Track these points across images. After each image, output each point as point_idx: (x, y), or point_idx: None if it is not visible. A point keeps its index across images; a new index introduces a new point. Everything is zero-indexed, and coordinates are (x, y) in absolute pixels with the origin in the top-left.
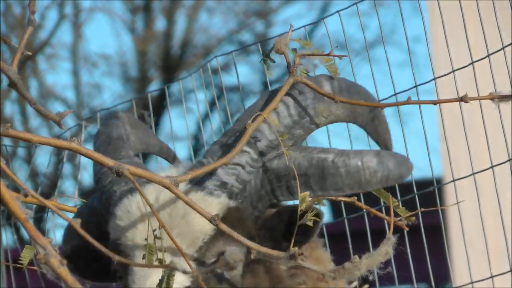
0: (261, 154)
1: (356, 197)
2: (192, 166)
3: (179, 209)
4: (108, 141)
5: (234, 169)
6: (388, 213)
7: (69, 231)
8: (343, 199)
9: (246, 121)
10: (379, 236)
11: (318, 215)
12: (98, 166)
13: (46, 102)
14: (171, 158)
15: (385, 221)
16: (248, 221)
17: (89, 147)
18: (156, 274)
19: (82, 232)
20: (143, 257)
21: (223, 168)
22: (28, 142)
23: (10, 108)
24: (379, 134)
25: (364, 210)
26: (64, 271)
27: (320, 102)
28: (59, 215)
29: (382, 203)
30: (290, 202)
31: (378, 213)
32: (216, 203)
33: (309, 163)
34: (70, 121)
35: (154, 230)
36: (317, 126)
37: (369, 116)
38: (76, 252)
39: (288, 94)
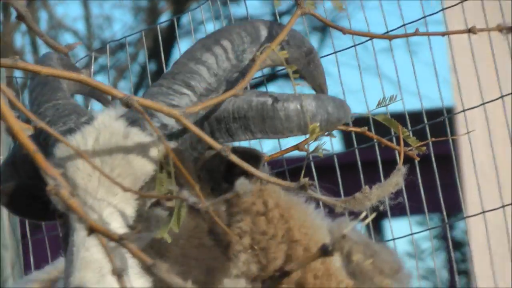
0: (201, 96)
1: (366, 127)
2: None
3: (120, 149)
4: (45, 82)
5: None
6: (398, 143)
7: (7, 169)
8: (353, 129)
9: (183, 63)
10: (390, 166)
11: (257, 157)
12: (33, 106)
13: (57, 34)
14: (106, 100)
15: (396, 151)
16: (188, 162)
17: (99, 79)
18: (100, 194)
19: (91, 162)
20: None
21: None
22: (38, 74)
23: (21, 41)
24: (314, 78)
25: (375, 140)
26: (75, 203)
27: (258, 47)
28: (66, 144)
29: (393, 133)
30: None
31: (389, 143)
32: (155, 145)
33: (248, 106)
34: (80, 53)
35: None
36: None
37: (305, 60)
38: (15, 191)
39: (226, 38)
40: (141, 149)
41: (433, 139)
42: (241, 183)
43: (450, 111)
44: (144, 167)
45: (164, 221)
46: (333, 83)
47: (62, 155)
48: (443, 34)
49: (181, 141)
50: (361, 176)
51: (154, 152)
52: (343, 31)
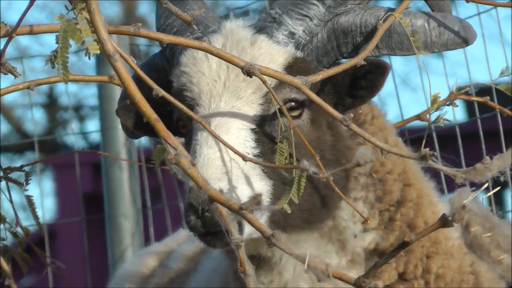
0: (329, 8)
1: (489, 97)
2: (261, 18)
3: (247, 54)
4: None
5: (302, 20)
6: None
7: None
8: (476, 98)
9: None
10: None
11: (384, 67)
12: (162, 19)
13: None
14: None
15: None
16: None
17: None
18: (220, 118)
19: (214, 132)
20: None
21: (291, 18)
22: (160, 42)
23: (145, 6)
24: (440, 6)
25: (497, 109)
26: (195, 172)
27: None
28: (191, 116)
29: None
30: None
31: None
32: (283, 52)
33: (376, 20)
34: None
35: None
36: None
37: None
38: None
39: None
40: (268, 55)
41: None
42: (361, 153)
43: None
44: None
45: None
46: (457, 51)
47: (188, 62)
48: None
49: (308, 51)
50: (483, 146)
51: (281, 59)
52: None
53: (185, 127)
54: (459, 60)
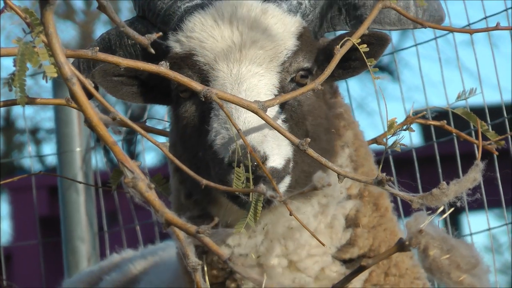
0: None
1: (445, 121)
2: None
3: (260, 22)
4: None
5: None
6: (477, 137)
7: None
8: (432, 122)
9: None
10: (468, 160)
11: (385, 39)
12: None
13: None
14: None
15: (475, 145)
16: (314, 40)
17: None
18: (248, 81)
19: (170, 155)
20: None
21: None
22: (117, 66)
23: (102, 30)
24: None
25: (454, 133)
26: (152, 195)
27: None
28: (147, 138)
29: (472, 127)
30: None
31: (468, 137)
32: (293, 21)
33: None
34: None
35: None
36: None
37: None
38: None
39: None
40: (281, 24)
41: None
42: (319, 176)
43: None
44: (286, 41)
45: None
46: (414, 75)
47: (194, 27)
48: None
49: (309, 22)
50: (440, 170)
51: (294, 27)
52: (424, 24)
53: (186, 91)
54: (416, 84)
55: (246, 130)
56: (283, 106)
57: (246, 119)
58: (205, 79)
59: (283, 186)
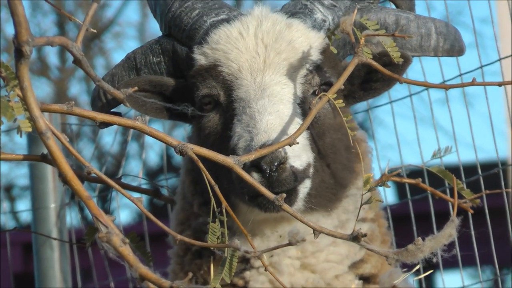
0: (353, 1)
1: (420, 179)
2: (288, 5)
3: (285, 35)
4: None
5: (332, 9)
6: (452, 195)
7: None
8: (407, 180)
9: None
10: (443, 218)
11: (406, 60)
12: (176, 2)
13: None
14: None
15: (450, 203)
16: (337, 58)
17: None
18: (272, 88)
19: (145, 211)
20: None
21: (323, 6)
22: (93, 121)
23: (76, 87)
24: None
25: (429, 191)
26: (126, 250)
27: None
28: (122, 194)
29: (447, 185)
30: None
31: (443, 195)
32: (317, 37)
33: (392, 21)
34: None
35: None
36: None
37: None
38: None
39: None
40: (306, 38)
41: (487, 191)
42: (293, 232)
43: (504, 163)
44: (310, 55)
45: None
46: (388, 133)
47: (219, 40)
48: (499, 84)
49: (332, 41)
50: (414, 227)
51: (317, 42)
52: (400, 80)
53: (210, 104)
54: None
55: (270, 131)
56: (305, 115)
57: (268, 121)
58: (228, 89)
59: (303, 188)
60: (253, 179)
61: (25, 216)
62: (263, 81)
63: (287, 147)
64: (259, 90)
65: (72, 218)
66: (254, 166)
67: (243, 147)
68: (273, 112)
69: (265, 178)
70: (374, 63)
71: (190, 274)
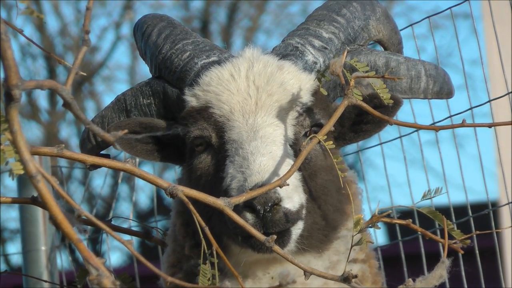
0: (343, 44)
1: (411, 220)
2: (278, 47)
3: (276, 77)
4: (173, 25)
5: (323, 51)
6: (443, 236)
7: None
8: (398, 221)
9: (324, 14)
10: (434, 259)
11: (396, 103)
12: (165, 44)
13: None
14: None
15: (440, 244)
16: (329, 100)
17: (144, 168)
18: (264, 130)
19: (136, 253)
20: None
21: (314, 48)
22: (83, 163)
23: (66, 130)
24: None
25: (419, 232)
26: None
27: (371, 21)
28: (113, 236)
29: (437, 226)
30: None
31: (433, 236)
32: (308, 79)
33: (382, 63)
34: None
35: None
36: (371, 38)
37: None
38: (131, 125)
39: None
40: (297, 80)
41: (478, 232)
42: (283, 273)
43: (495, 204)
44: (301, 97)
45: None
46: (379, 174)
47: (211, 81)
48: (489, 126)
49: (322, 82)
50: (405, 268)
51: (309, 84)
52: (390, 122)
53: (201, 145)
54: (381, 184)
55: (263, 172)
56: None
57: (261, 163)
58: (220, 131)
59: (296, 229)
60: (246, 220)
61: (16, 259)
62: (255, 123)
63: (279, 188)
64: (252, 132)
65: (62, 260)
66: (247, 206)
67: (236, 187)
68: (266, 153)
69: (259, 218)
70: (364, 105)
71: None
